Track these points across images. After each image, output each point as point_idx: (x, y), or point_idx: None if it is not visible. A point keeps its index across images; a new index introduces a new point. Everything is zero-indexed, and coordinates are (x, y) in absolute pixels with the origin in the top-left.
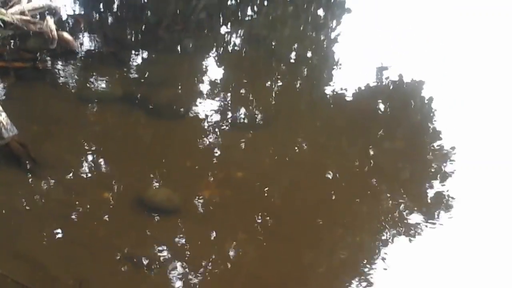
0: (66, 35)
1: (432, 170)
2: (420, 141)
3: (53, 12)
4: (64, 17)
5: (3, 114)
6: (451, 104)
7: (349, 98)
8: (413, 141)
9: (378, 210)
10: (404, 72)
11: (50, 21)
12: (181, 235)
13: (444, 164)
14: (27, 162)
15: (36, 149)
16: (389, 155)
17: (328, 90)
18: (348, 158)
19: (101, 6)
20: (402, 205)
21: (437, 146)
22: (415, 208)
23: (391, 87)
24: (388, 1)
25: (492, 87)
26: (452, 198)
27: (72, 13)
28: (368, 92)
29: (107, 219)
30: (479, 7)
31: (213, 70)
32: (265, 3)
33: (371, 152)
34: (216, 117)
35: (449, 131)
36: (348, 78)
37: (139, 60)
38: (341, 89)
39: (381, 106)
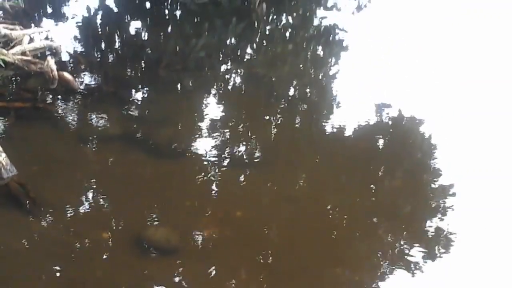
0: (66, 74)
1: (432, 207)
2: (420, 178)
3: (54, 51)
4: (65, 57)
5: (3, 155)
6: (451, 141)
7: (348, 135)
8: (413, 178)
9: (378, 248)
10: (403, 109)
11: (51, 61)
12: (180, 275)
13: (444, 201)
14: (26, 202)
15: (36, 189)
16: (389, 192)
17: (327, 127)
18: (348, 195)
19: (102, 44)
20: (402, 243)
21: (437, 183)
22: (415, 245)
23: (390, 124)
24: (386, 39)
25: (491, 123)
26: (452, 235)
27: (72, 52)
28: (367, 129)
29: (106, 259)
30: (476, 43)
31: (213, 108)
32: (264, 42)
33: (371, 189)
34: (216, 156)
35: (448, 168)
36: (347, 115)
37: (139, 99)
38: (341, 126)
39: (381, 143)
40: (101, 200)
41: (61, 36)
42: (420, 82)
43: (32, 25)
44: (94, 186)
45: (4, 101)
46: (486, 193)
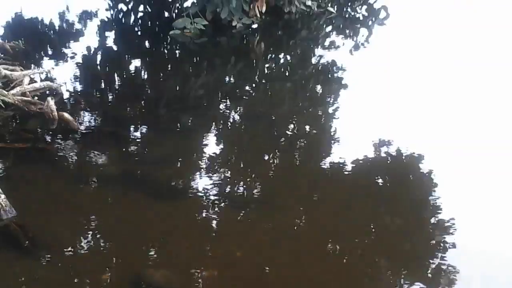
0: (66, 115)
1: (433, 245)
2: (419, 216)
3: (54, 92)
4: (65, 97)
5: (2, 196)
6: (450, 177)
7: (348, 173)
8: (412, 216)
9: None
10: (402, 145)
11: (51, 102)
12: None
13: (444, 239)
14: (25, 243)
15: (34, 230)
16: (389, 230)
17: (326, 166)
18: (348, 234)
19: (101, 84)
20: (403, 282)
21: (437, 220)
22: (417, 284)
23: (389, 161)
24: (384, 76)
25: (491, 159)
26: (454, 273)
27: (72, 92)
28: (367, 167)
29: None
30: (473, 79)
31: (212, 147)
32: (263, 80)
33: (371, 228)
34: (215, 195)
35: (448, 205)
36: (346, 153)
37: (138, 138)
38: (340, 164)
39: (380, 180)
40: (100, 241)
41: (61, 76)
42: (418, 119)
43: (33, 65)
44: (93, 227)
45: (4, 142)
46: (488, 230)
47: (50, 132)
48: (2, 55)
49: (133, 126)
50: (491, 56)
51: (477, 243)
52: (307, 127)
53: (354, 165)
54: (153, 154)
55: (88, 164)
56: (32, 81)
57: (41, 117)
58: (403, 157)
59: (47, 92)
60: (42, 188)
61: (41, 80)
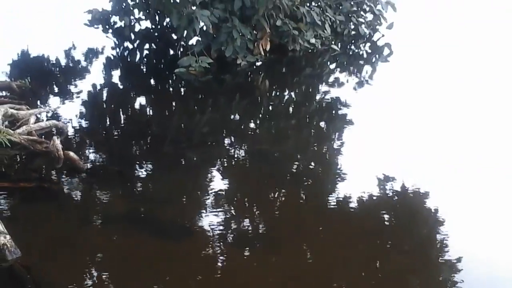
0: (72, 154)
1: (440, 282)
2: (427, 253)
3: (60, 131)
4: (70, 135)
5: (8, 236)
6: (457, 215)
7: (353, 210)
8: (420, 253)
9: None
10: (407, 182)
11: (57, 141)
12: None
13: (452, 276)
14: (30, 285)
15: (39, 271)
16: (396, 269)
17: (332, 203)
18: (354, 273)
19: (107, 122)
20: None
21: (445, 258)
22: None
23: (395, 199)
24: (389, 113)
25: (498, 196)
26: None
27: (78, 130)
28: (372, 205)
29: None
30: (476, 116)
31: (217, 185)
32: (268, 117)
33: (378, 266)
34: (221, 235)
35: (455, 242)
36: (352, 190)
37: (143, 177)
38: (346, 201)
39: (386, 218)
40: (105, 282)
41: (67, 114)
42: (423, 155)
43: (39, 103)
44: (98, 268)
45: (9, 181)
46: (495, 269)
47: (56, 171)
48: (8, 94)
49: (138, 164)
50: (494, 94)
51: (486, 281)
52: (312, 164)
53: (359, 203)
54: (158, 192)
55: (93, 203)
56: (38, 119)
57: (47, 156)
58: (409, 194)
59: (53, 130)
60: (47, 228)
61: (47, 119)
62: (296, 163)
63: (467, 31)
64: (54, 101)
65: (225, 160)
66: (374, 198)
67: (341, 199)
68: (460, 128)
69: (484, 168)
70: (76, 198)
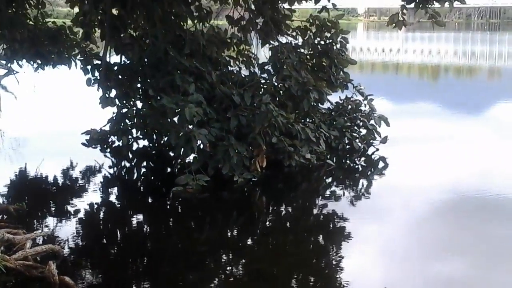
0: (67, 279)
1: None
2: None
3: (56, 255)
4: (66, 258)
5: None
6: None
7: None
8: None
9: None
10: None
11: (52, 266)
12: None
13: None
14: None
15: None
16: None
17: None
18: None
19: (103, 243)
20: None
21: None
22: None
23: None
24: (386, 226)
25: None
26: None
27: (75, 252)
28: None
29: None
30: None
31: None
32: (265, 233)
33: None
34: None
35: None
36: None
37: None
38: None
39: None
40: None
41: (64, 235)
42: (422, 275)
43: (35, 226)
44: None
45: None
46: None
47: None
48: (5, 218)
49: (136, 286)
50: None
51: None
52: (312, 280)
53: None
54: None
55: None
56: (34, 243)
57: (42, 281)
58: None
59: (49, 255)
60: None
61: (43, 241)
62: (294, 280)
63: (459, 147)
64: (51, 223)
65: (222, 280)
66: None
67: None
68: (458, 245)
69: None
70: None
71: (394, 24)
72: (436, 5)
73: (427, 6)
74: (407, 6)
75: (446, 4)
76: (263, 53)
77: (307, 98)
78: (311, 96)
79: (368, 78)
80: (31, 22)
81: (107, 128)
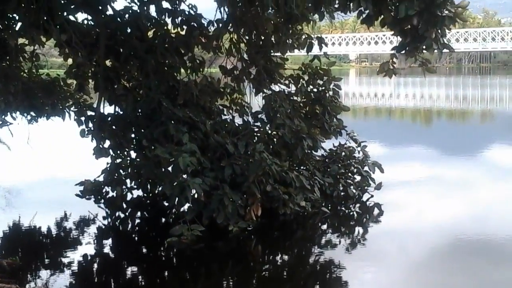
0: None
1: None
2: None
3: None
4: None
5: None
6: None
7: None
8: None
9: None
10: None
11: None
12: None
13: None
14: None
15: None
16: None
17: None
18: None
19: None
20: None
21: None
22: None
23: None
24: (382, 272)
25: None
26: None
27: None
28: None
29: None
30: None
31: None
32: (262, 283)
33: None
34: None
35: None
36: None
37: None
38: None
39: None
40: None
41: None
42: None
43: (29, 280)
44: None
45: None
46: None
47: None
48: None
49: None
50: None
51: None
52: None
53: None
54: None
55: None
56: None
57: None
58: None
59: None
60: None
61: None
62: None
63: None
64: (44, 276)
65: None
66: None
67: None
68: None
69: None
70: None
71: (384, 73)
72: (426, 52)
73: (416, 53)
74: (397, 54)
75: (436, 51)
76: (256, 102)
77: (300, 145)
78: (304, 144)
79: (361, 123)
80: (25, 75)
81: (101, 178)
